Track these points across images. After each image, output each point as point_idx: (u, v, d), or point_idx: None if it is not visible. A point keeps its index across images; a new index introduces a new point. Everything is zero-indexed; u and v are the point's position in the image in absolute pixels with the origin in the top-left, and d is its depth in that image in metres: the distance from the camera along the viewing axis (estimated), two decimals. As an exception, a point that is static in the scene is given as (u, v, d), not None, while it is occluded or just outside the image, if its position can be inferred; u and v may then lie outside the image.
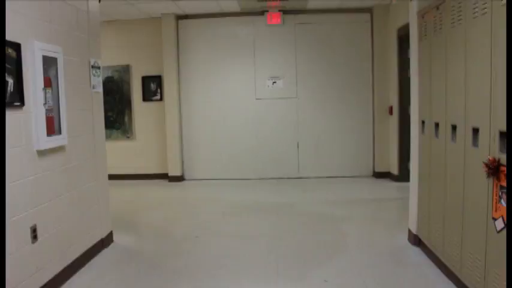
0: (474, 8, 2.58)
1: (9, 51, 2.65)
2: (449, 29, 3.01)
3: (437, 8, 3.21)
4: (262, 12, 7.05)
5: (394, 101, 6.67)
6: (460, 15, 2.82)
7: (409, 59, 4.27)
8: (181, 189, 6.89)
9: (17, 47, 2.73)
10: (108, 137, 6.22)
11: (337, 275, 3.33)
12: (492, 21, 2.36)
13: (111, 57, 7.10)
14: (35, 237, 2.90)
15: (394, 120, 6.71)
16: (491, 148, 2.39)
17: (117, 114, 7.52)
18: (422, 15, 3.59)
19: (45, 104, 3.02)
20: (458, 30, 2.86)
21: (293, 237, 4.30)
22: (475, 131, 2.60)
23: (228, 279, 3.34)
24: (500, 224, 2.30)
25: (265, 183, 6.99)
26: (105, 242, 4.01)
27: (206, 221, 4.92)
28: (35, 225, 2.91)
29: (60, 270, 3.22)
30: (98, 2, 4.05)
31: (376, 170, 7.14)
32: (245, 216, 5.12)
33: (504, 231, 2.26)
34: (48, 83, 3.13)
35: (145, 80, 7.42)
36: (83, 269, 3.52)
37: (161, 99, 7.36)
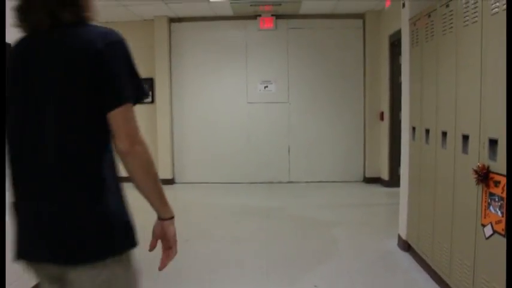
0: (465, 17, 2.60)
1: None
2: (440, 36, 3.04)
3: (429, 16, 3.24)
4: (255, 17, 7.07)
5: (385, 106, 6.72)
6: (451, 23, 2.84)
7: (400, 65, 4.30)
8: (172, 193, 6.85)
9: (8, 48, 2.70)
10: (98, 139, 6.17)
11: (327, 280, 3.33)
12: (482, 30, 2.38)
13: (102, 59, 7.06)
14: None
15: (385, 126, 6.75)
16: (480, 155, 2.41)
17: (108, 116, 7.47)
18: (414, 22, 3.62)
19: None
20: (449, 37, 2.89)
21: (283, 241, 4.29)
22: (465, 137, 2.62)
23: (218, 284, 3.33)
24: (488, 230, 2.32)
25: (256, 187, 6.98)
26: (94, 245, 3.97)
27: (197, 224, 4.90)
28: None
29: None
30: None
31: (367, 175, 7.17)
32: (236, 220, 5.10)
33: (492, 238, 2.28)
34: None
35: (137, 83, 7.38)
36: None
37: (153, 101, 7.33)
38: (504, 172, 2.16)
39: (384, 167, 6.82)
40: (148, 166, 1.31)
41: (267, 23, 7.07)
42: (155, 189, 1.36)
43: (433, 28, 3.19)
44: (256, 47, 7.20)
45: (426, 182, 3.38)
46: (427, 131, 3.32)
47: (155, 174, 1.34)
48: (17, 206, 1.34)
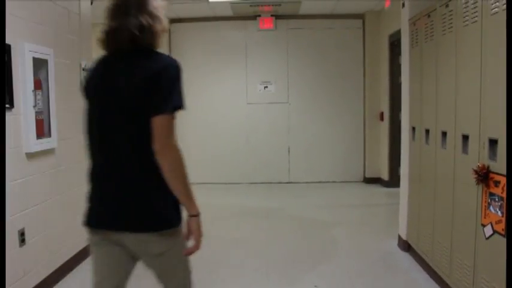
0: (465, 17, 2.60)
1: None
2: (440, 36, 3.04)
3: (429, 16, 3.24)
4: (254, 17, 7.07)
5: (385, 107, 6.72)
6: (450, 23, 2.84)
7: (400, 65, 4.31)
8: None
9: (7, 48, 2.70)
10: (98, 139, 6.16)
11: (327, 280, 3.33)
12: (482, 30, 2.38)
13: (102, 60, 7.06)
14: (23, 240, 2.86)
15: (385, 126, 6.75)
16: (480, 155, 2.41)
17: (107, 117, 7.47)
18: (413, 22, 3.62)
19: (35, 106, 2.99)
20: (449, 37, 2.88)
21: (283, 241, 4.29)
22: (465, 138, 2.63)
23: (218, 284, 3.33)
24: (489, 230, 2.32)
25: (255, 187, 6.98)
26: (94, 245, 3.97)
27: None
28: (23, 228, 2.87)
29: (48, 274, 3.19)
30: (89, 4, 4.03)
31: (367, 175, 7.17)
32: (235, 221, 5.10)
33: (492, 238, 2.28)
34: (38, 85, 3.10)
35: (137, 83, 7.38)
36: (71, 273, 3.48)
37: (152, 102, 7.34)
38: (504, 172, 2.16)
39: (384, 167, 6.82)
40: (176, 166, 1.61)
41: (267, 23, 7.07)
42: (182, 187, 1.64)
43: (432, 28, 3.19)
44: (256, 48, 7.20)
45: (426, 182, 3.38)
46: (427, 131, 3.32)
47: (183, 175, 1.64)
48: (95, 189, 1.70)
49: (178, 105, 1.61)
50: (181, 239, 1.72)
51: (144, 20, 1.65)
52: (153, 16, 1.69)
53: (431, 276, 3.26)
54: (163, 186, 1.61)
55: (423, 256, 3.41)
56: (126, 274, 1.80)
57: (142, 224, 1.62)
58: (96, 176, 1.70)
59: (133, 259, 1.77)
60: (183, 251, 1.73)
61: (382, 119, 6.88)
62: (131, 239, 1.65)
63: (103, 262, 1.76)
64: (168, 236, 1.66)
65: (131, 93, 1.58)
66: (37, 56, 3.03)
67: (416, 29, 3.55)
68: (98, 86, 1.69)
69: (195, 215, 1.68)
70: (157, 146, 1.56)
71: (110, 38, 1.66)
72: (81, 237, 3.77)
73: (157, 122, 1.56)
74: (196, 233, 1.68)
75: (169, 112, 1.57)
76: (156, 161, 1.58)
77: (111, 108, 1.62)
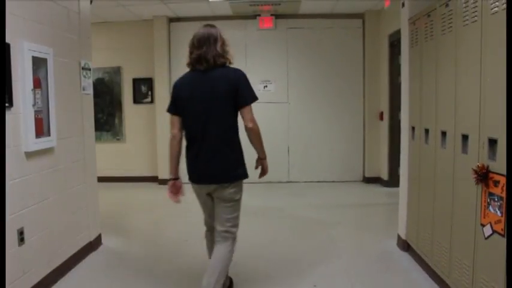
0: (465, 16, 2.60)
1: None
2: (440, 36, 3.04)
3: (429, 15, 3.24)
4: (254, 16, 7.07)
5: (384, 106, 6.72)
6: (450, 23, 2.84)
7: (400, 65, 4.30)
8: (171, 193, 6.85)
9: (6, 47, 2.70)
10: (98, 139, 6.17)
11: (326, 279, 3.33)
12: (482, 29, 2.38)
13: (102, 59, 7.05)
14: (22, 239, 2.86)
15: (384, 126, 6.75)
16: (480, 155, 2.41)
17: (107, 116, 7.48)
18: (413, 22, 3.61)
19: (34, 105, 2.99)
20: (448, 37, 2.88)
21: (282, 241, 4.29)
22: (465, 137, 2.62)
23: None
24: (488, 230, 2.31)
25: (254, 187, 6.95)
26: (94, 244, 3.97)
27: (196, 224, 4.88)
28: (22, 227, 2.87)
29: (48, 273, 3.18)
30: (89, 3, 4.02)
31: (366, 175, 7.17)
32: (235, 220, 5.09)
33: (492, 238, 2.28)
34: (38, 84, 3.10)
35: (136, 82, 7.39)
36: (71, 272, 3.48)
37: (152, 101, 7.34)
38: (503, 172, 2.16)
39: (384, 166, 6.83)
40: (257, 133, 2.72)
41: (267, 22, 7.06)
42: (260, 144, 2.79)
43: (432, 28, 3.18)
44: (255, 47, 7.20)
45: (426, 182, 3.38)
46: (427, 131, 3.32)
47: (260, 138, 2.76)
48: (195, 158, 2.74)
49: (255, 98, 2.70)
50: (242, 187, 2.81)
51: (220, 49, 2.67)
52: (223, 46, 2.70)
53: (430, 276, 3.26)
54: (237, 155, 2.73)
55: (422, 256, 3.41)
56: (212, 208, 2.86)
57: (223, 177, 2.69)
58: (195, 149, 2.71)
59: (213, 199, 2.81)
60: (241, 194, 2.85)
61: (381, 118, 6.88)
62: (214, 187, 2.72)
63: (205, 203, 2.89)
64: (237, 184, 2.75)
65: (222, 93, 2.61)
66: (36, 55, 3.02)
67: (416, 29, 3.55)
68: (197, 90, 2.66)
69: (265, 158, 2.88)
70: (247, 125, 2.67)
71: (200, 61, 2.67)
72: (80, 236, 3.78)
73: (245, 110, 2.66)
74: (266, 167, 2.91)
75: (250, 103, 2.67)
76: (234, 137, 2.72)
77: (209, 103, 2.62)
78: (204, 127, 2.63)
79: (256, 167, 2.87)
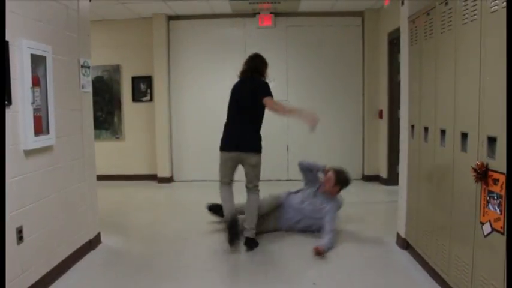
0: (464, 15, 2.60)
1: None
2: (439, 34, 3.04)
3: (428, 14, 3.24)
4: (253, 14, 7.06)
5: (384, 104, 6.72)
6: (450, 21, 2.84)
7: (399, 63, 4.30)
8: (171, 191, 6.86)
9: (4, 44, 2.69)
10: (97, 137, 6.17)
11: (326, 278, 3.34)
12: (481, 28, 2.38)
13: (101, 57, 7.03)
14: (20, 238, 2.86)
15: (383, 124, 6.75)
16: (479, 153, 2.41)
17: (106, 114, 7.47)
18: (413, 20, 3.61)
19: (33, 103, 2.98)
20: (448, 36, 2.88)
21: (281, 239, 4.29)
22: (464, 135, 2.62)
23: (218, 283, 3.33)
24: (487, 228, 2.32)
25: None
26: (93, 243, 3.97)
27: (195, 223, 4.89)
28: (21, 226, 2.87)
29: (47, 272, 3.18)
30: (88, 1, 4.01)
31: (366, 173, 7.18)
32: (234, 219, 5.08)
33: (491, 236, 2.28)
34: (37, 82, 3.09)
35: (135, 81, 7.37)
36: (70, 271, 3.47)
37: (151, 100, 7.33)
38: (503, 170, 2.16)
39: (383, 165, 6.83)
40: (276, 110, 4.04)
41: (266, 20, 7.05)
42: (284, 112, 4.36)
43: (432, 26, 3.18)
44: (254, 45, 7.13)
45: (425, 180, 3.38)
46: (426, 129, 3.32)
47: (283, 108, 4.32)
48: (229, 131, 4.14)
49: (269, 94, 3.96)
50: (261, 158, 4.06)
51: (259, 67, 4.20)
52: (262, 68, 4.23)
53: (429, 274, 3.26)
54: (259, 134, 4.05)
55: (422, 254, 3.42)
56: (233, 172, 4.21)
57: (250, 148, 4.00)
58: (230, 126, 4.11)
59: (238, 165, 4.12)
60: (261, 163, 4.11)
61: (381, 116, 6.88)
62: (244, 155, 4.00)
63: (229, 167, 4.15)
64: (259, 155, 4.03)
65: (254, 92, 3.97)
66: (35, 52, 3.02)
67: (416, 27, 3.54)
68: (242, 90, 4.09)
69: (297, 113, 4.32)
70: (269, 108, 3.96)
71: (247, 73, 4.16)
72: (79, 234, 3.77)
73: (266, 100, 3.91)
74: (305, 115, 4.08)
75: (268, 96, 3.94)
76: (258, 121, 4.06)
77: (247, 97, 4.00)
78: (242, 113, 4.04)
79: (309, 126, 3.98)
